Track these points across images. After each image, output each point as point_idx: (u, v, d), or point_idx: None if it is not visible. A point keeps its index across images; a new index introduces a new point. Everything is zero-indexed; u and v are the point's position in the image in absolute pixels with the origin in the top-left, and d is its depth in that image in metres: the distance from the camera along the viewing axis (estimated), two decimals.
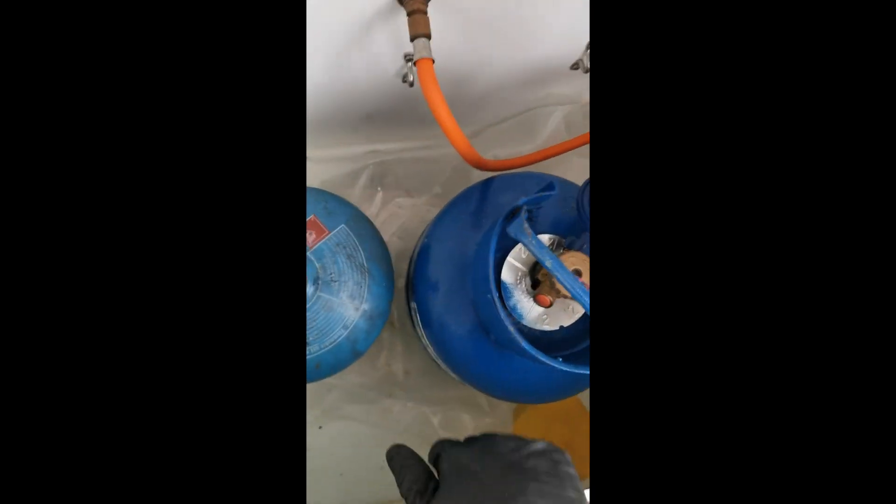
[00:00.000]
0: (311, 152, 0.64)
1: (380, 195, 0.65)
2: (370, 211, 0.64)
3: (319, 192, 0.48)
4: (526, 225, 0.35)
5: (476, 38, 0.46)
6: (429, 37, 0.36)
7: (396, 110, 0.58)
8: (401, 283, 0.63)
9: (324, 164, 0.64)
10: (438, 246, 0.47)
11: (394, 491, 0.31)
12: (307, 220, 0.45)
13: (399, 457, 0.33)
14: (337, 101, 0.55)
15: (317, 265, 0.44)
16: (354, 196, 0.64)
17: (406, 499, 0.30)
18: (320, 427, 0.62)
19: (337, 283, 0.44)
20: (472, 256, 0.44)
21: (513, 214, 0.38)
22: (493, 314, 0.38)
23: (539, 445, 0.29)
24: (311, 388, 0.61)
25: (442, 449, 0.32)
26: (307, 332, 0.44)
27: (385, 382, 0.63)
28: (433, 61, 0.36)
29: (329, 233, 0.45)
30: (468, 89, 0.55)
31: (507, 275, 0.42)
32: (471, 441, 0.32)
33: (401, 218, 0.66)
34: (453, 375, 0.51)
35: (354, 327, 0.45)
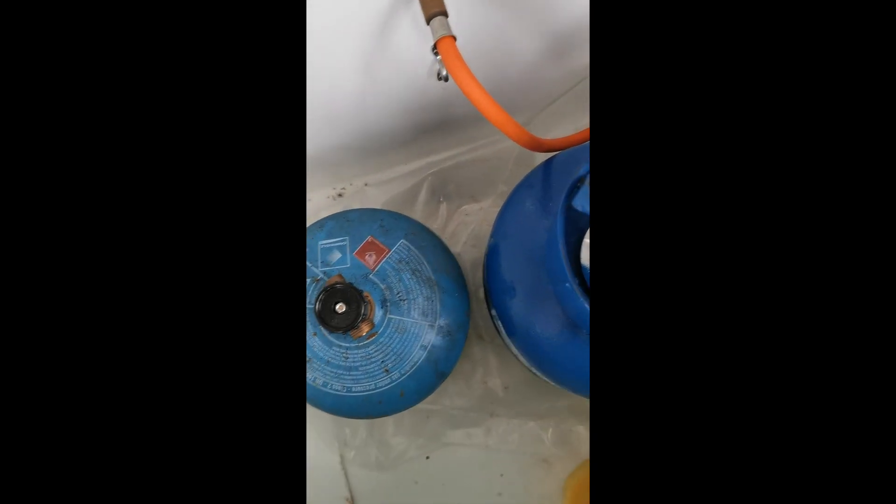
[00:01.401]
0: (366, 178, 0.63)
1: (443, 206, 0.62)
2: (436, 224, 0.62)
3: (374, 211, 0.46)
4: None
5: (502, 10, 0.42)
6: (445, 14, 0.33)
7: (441, 114, 0.55)
8: (482, 293, 0.59)
9: (380, 188, 0.62)
10: (506, 243, 0.43)
11: None
12: (365, 241, 0.43)
13: None
14: (379, 121, 0.53)
15: (381, 286, 0.41)
16: (417, 213, 0.61)
17: None
18: (427, 457, 0.59)
19: (406, 302, 0.41)
20: (545, 246, 0.39)
21: (577, 187, 0.32)
22: (576, 306, 0.33)
23: None
24: (409, 418, 0.58)
25: None
26: (385, 360, 0.41)
27: (485, 401, 0.59)
28: (455, 38, 0.33)
29: (389, 251, 0.43)
30: (509, 72, 0.51)
31: (587, 259, 0.37)
32: None
33: (470, 225, 0.62)
34: (553, 383, 0.46)
35: (433, 346, 0.42)
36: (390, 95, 0.49)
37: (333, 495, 0.58)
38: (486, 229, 0.63)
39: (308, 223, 0.49)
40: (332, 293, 0.36)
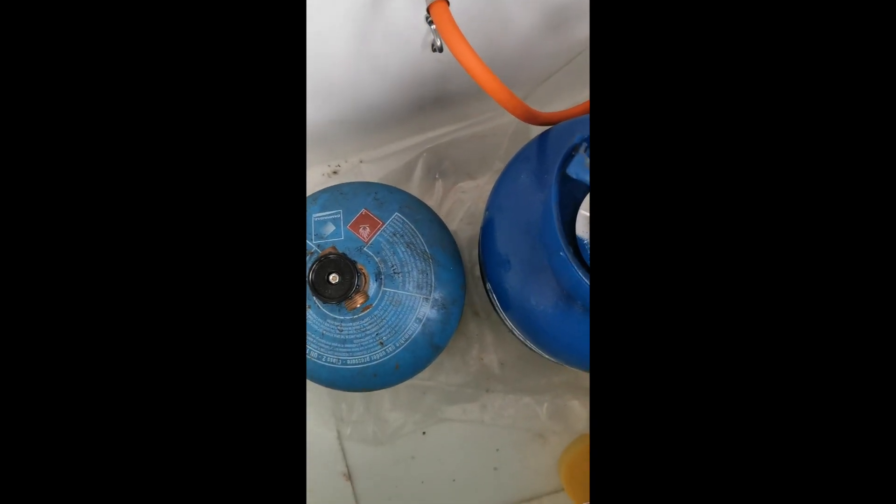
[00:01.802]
0: (361, 155, 0.63)
1: (439, 183, 0.62)
2: (432, 201, 0.61)
3: (368, 184, 0.45)
4: (587, 160, 0.30)
5: None
6: None
7: (437, 89, 0.54)
8: (478, 270, 0.59)
9: (375, 164, 0.62)
10: (501, 216, 0.42)
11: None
12: (359, 214, 0.43)
13: None
14: (374, 96, 0.53)
15: (376, 259, 0.41)
16: (413, 190, 0.61)
17: None
18: (423, 433, 0.59)
19: (401, 275, 0.41)
20: (540, 217, 0.39)
21: (571, 155, 0.32)
22: (570, 276, 0.33)
23: None
24: (405, 393, 0.59)
25: None
26: (379, 332, 0.41)
27: (481, 377, 0.59)
28: (448, 3, 0.32)
29: (383, 224, 0.42)
30: (504, 47, 0.50)
31: (582, 229, 0.37)
32: None
33: (466, 203, 0.62)
34: (549, 358, 0.46)
35: (428, 319, 0.42)
36: (385, 69, 0.49)
37: (331, 471, 0.59)
38: (483, 207, 0.63)
39: None
40: (325, 264, 0.36)
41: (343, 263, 0.36)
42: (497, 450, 0.59)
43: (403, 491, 0.59)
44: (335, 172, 0.65)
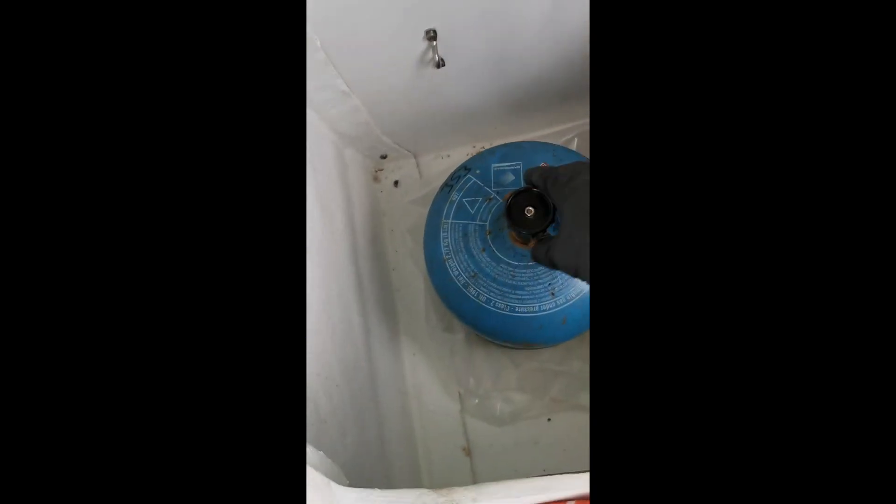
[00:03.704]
0: (505, 139, 0.65)
1: None
2: None
3: (547, 144, 0.46)
4: None
5: None
6: None
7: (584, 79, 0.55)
8: None
9: None
10: None
11: None
12: (539, 166, 0.43)
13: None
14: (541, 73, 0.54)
15: None
16: None
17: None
18: (549, 419, 0.58)
19: None
20: None
21: None
22: None
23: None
24: (535, 376, 0.57)
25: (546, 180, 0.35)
26: (552, 282, 0.41)
27: None
28: None
29: None
30: None
31: None
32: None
33: None
34: None
35: None
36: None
37: (451, 444, 0.58)
38: None
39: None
40: (523, 196, 0.36)
41: (541, 198, 0.36)
42: None
43: (523, 476, 0.56)
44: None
